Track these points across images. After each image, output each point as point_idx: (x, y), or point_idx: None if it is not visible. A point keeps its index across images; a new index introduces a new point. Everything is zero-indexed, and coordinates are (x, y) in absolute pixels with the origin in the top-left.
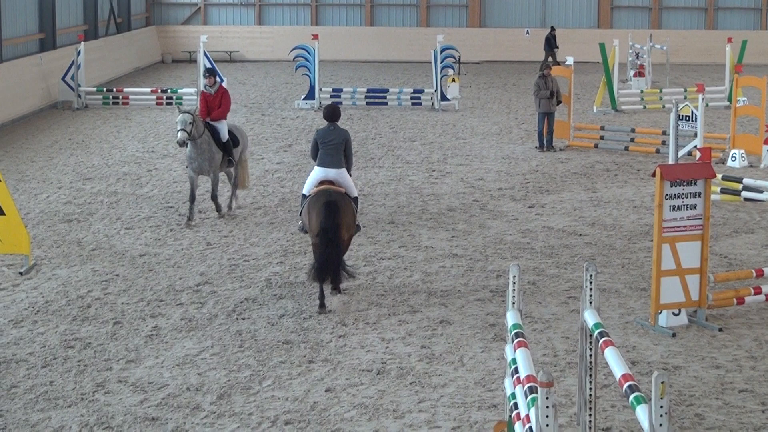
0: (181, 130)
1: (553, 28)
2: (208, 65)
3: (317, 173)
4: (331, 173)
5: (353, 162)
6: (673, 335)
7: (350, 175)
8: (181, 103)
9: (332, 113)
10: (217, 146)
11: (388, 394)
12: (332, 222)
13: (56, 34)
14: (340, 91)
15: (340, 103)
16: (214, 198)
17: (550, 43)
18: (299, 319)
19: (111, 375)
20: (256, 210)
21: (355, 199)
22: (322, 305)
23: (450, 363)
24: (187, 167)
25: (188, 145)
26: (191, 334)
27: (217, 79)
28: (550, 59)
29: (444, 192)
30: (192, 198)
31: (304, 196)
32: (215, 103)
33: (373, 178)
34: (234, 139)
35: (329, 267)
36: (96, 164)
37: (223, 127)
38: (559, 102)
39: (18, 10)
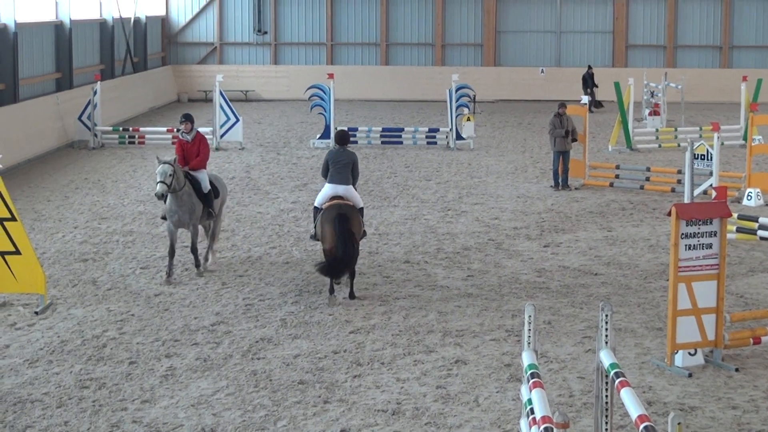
0: (161, 182)
1: (590, 67)
2: (224, 102)
3: (328, 189)
4: (340, 189)
5: (359, 179)
6: (690, 375)
7: (356, 189)
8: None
9: (342, 138)
10: (198, 197)
11: None
12: (345, 228)
13: (73, 74)
14: (356, 130)
15: (356, 142)
16: (193, 251)
17: (587, 83)
18: (314, 359)
19: (126, 415)
20: (271, 249)
21: (361, 209)
22: (332, 290)
23: (465, 403)
24: (165, 220)
25: (168, 198)
26: (206, 374)
27: (195, 125)
28: (586, 98)
29: (459, 231)
30: (172, 253)
31: (316, 209)
32: (193, 152)
33: (389, 218)
34: (215, 190)
35: (346, 264)
36: (112, 203)
37: (204, 178)
38: (574, 140)
39: (35, 49)
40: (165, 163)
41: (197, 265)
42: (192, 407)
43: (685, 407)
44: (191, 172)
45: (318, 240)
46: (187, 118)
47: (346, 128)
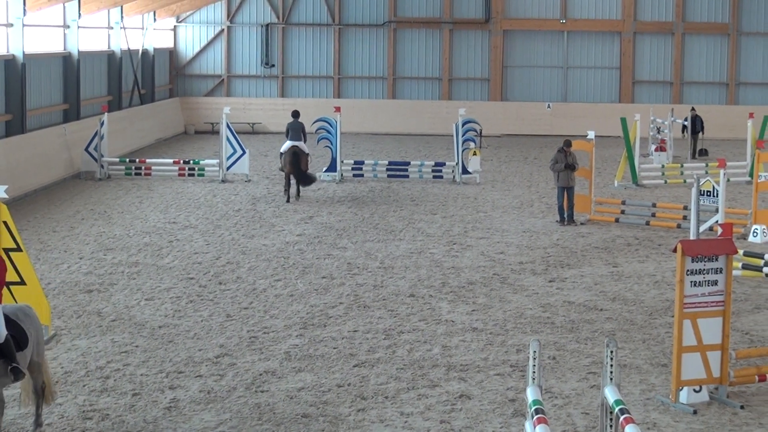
0: None
1: (693, 108)
2: (231, 135)
3: (288, 143)
4: (295, 142)
5: (308, 138)
6: (695, 412)
7: (305, 143)
8: (203, 174)
9: (296, 113)
10: None
11: None
12: (296, 158)
13: (80, 105)
14: (362, 163)
15: (362, 175)
16: None
17: (696, 126)
18: (318, 393)
19: None
20: (276, 282)
21: (307, 154)
22: (288, 200)
23: None
24: None
25: None
26: (210, 406)
27: None
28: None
29: (464, 265)
30: None
31: (281, 153)
32: None
33: (394, 251)
34: (20, 336)
35: (295, 177)
36: (117, 234)
37: None
38: (573, 168)
39: (43, 80)
40: None
41: None
42: None
43: None
44: None
45: (283, 171)
46: None
47: (297, 110)
